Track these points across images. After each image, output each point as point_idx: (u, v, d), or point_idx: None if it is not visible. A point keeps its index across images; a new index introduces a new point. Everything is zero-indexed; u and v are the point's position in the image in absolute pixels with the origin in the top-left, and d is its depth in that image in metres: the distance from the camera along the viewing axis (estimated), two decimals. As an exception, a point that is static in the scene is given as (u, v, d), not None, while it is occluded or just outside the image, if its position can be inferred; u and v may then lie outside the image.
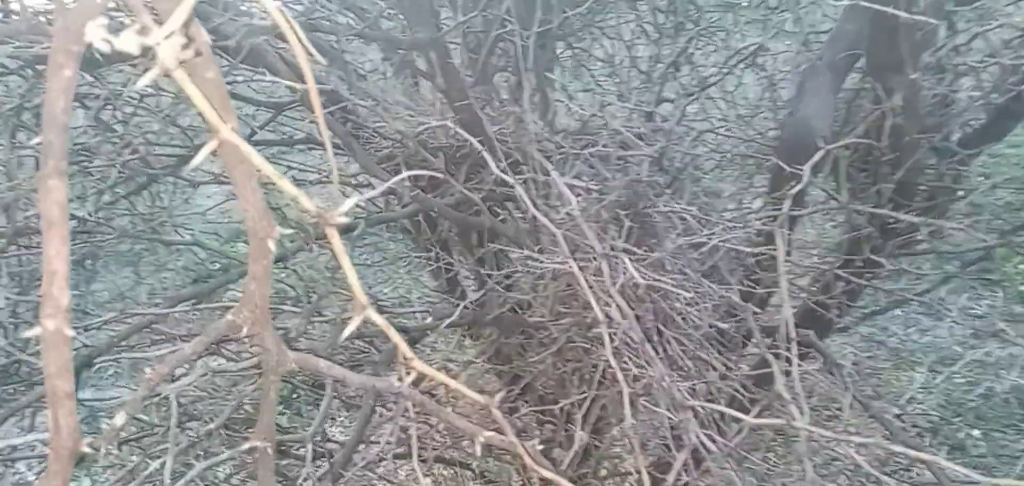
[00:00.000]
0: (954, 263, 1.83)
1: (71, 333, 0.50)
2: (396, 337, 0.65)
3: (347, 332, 0.62)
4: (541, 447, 1.98)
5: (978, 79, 1.81)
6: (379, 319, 0.61)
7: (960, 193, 1.81)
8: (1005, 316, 4.38)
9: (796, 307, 2.01)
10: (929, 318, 4.36)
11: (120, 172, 1.76)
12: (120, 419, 0.71)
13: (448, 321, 1.53)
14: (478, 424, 0.87)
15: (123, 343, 1.41)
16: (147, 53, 0.48)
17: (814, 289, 1.98)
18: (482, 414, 2.11)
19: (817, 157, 1.40)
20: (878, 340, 4.17)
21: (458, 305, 1.60)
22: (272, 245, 0.62)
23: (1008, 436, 3.75)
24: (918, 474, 2.89)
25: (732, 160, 2.02)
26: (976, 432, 3.73)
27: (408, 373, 0.69)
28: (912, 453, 0.95)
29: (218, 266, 2.61)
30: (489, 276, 1.82)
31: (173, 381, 1.23)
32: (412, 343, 1.64)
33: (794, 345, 1.20)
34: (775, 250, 1.82)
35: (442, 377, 0.71)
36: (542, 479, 1.83)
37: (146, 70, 0.51)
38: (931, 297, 4.21)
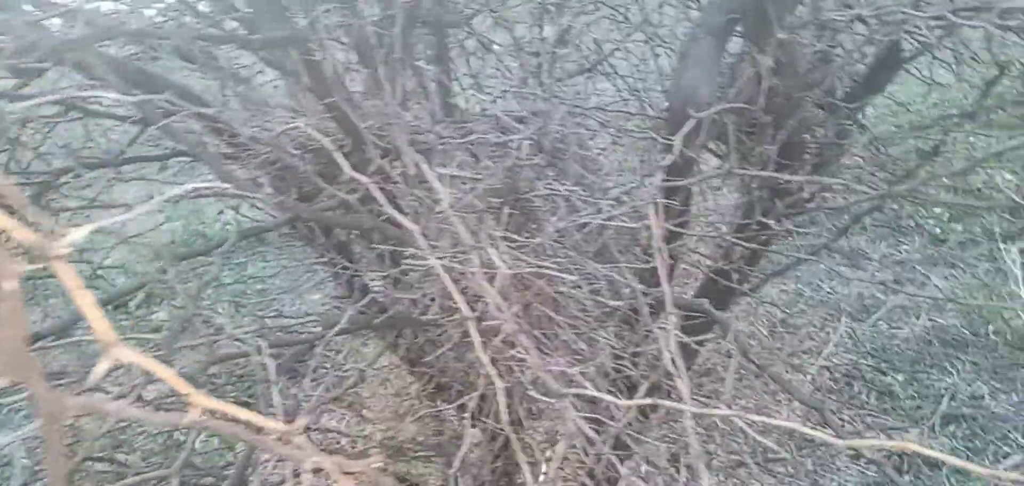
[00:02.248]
0: (846, 218, 1.85)
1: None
2: (167, 374, 0.59)
3: (99, 373, 0.56)
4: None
5: (855, 34, 1.82)
6: (132, 355, 0.56)
7: (846, 148, 1.83)
8: (922, 260, 4.53)
9: (697, 278, 2.01)
10: (852, 270, 4.47)
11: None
12: None
13: (335, 329, 1.47)
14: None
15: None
16: None
17: (715, 257, 1.98)
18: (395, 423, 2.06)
19: (688, 126, 1.39)
20: (804, 295, 4.26)
21: (348, 311, 1.54)
22: (12, 285, 0.56)
23: (932, 376, 3.87)
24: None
25: (626, 136, 2.01)
26: (900, 376, 3.83)
27: (195, 409, 0.64)
28: (784, 425, 0.93)
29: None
30: (384, 277, 1.77)
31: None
32: (304, 354, 1.58)
33: (672, 318, 1.18)
34: (677, 223, 1.82)
35: (232, 408, 0.66)
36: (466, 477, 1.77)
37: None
38: (845, 246, 4.30)
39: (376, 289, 1.95)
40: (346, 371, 2.17)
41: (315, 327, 1.52)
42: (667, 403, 1.00)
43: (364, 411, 2.08)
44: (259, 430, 0.68)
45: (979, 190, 4.30)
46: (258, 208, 1.57)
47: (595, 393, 1.05)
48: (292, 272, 3.02)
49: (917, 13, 1.34)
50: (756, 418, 0.89)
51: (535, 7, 2.15)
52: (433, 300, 1.54)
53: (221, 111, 1.57)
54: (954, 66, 1.82)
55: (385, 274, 1.84)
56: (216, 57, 1.94)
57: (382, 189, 1.50)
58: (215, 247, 1.38)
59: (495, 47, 2.25)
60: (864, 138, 1.75)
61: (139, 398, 0.85)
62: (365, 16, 1.75)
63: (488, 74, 2.32)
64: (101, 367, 0.55)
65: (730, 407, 1.15)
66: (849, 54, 1.77)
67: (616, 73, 2.19)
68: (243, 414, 0.67)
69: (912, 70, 2.06)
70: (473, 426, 1.81)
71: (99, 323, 0.53)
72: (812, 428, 0.84)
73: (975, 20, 1.22)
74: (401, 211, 1.23)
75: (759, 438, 1.03)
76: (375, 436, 1.79)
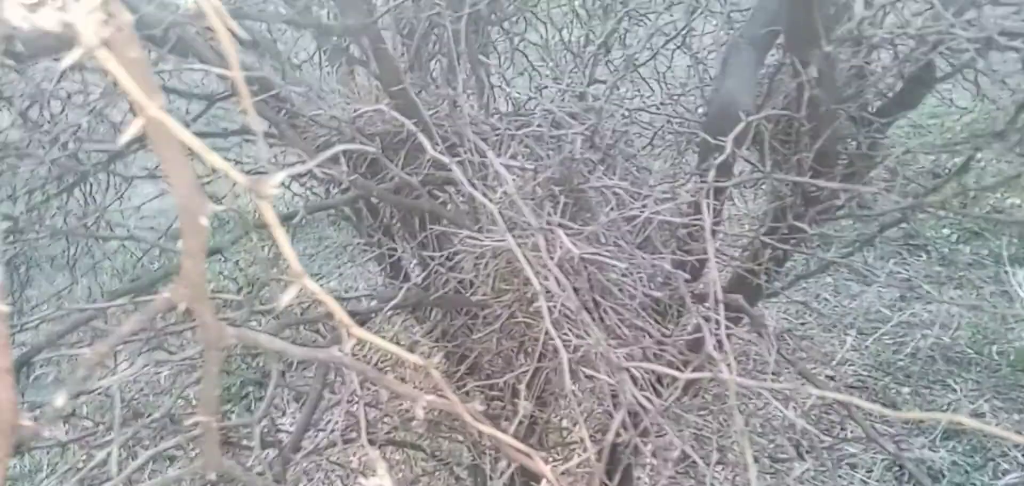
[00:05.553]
0: (873, 226, 1.94)
1: (6, 309, 0.51)
2: (333, 304, 0.68)
3: (285, 300, 0.64)
4: (487, 420, 2.03)
5: (892, 50, 1.91)
6: (315, 287, 0.64)
7: (877, 160, 1.91)
8: (929, 278, 4.62)
9: (726, 275, 2.10)
10: (859, 284, 4.57)
11: (50, 170, 1.73)
12: (61, 399, 0.72)
13: (392, 303, 1.55)
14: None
15: (61, 341, 1.40)
16: (67, 33, 0.49)
17: (743, 257, 2.07)
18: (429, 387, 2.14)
19: (738, 129, 1.47)
20: (811, 307, 4.35)
21: (401, 288, 1.63)
22: (204, 221, 0.64)
23: (934, 391, 3.96)
24: (845, 429, 3.04)
25: (663, 137, 2.09)
26: (905, 389, 3.92)
27: (349, 340, 0.72)
28: (828, 395, 1.02)
29: (156, 263, 2.57)
30: (432, 258, 1.85)
31: (114, 375, 1.22)
32: (361, 323, 1.65)
33: (721, 308, 1.27)
34: (713, 223, 1.90)
35: (382, 341, 0.74)
36: (492, 449, 1.86)
37: (69, 53, 0.52)
38: (855, 261, 4.39)
39: (420, 271, 2.03)
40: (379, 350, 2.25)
41: (371, 301, 1.60)
42: (726, 376, 1.08)
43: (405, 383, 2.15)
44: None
45: (999, 212, 4.40)
46: (325, 185, 1.64)
47: (652, 366, 1.13)
48: (327, 253, 3.10)
49: (962, 32, 1.42)
50: (814, 391, 0.97)
51: (578, 10, 2.24)
52: (483, 280, 1.62)
53: (287, 92, 1.65)
54: (976, 91, 1.90)
55: (430, 256, 1.92)
56: (275, 41, 2.02)
57: (445, 177, 1.58)
58: (286, 219, 1.46)
59: (537, 46, 2.34)
60: (897, 151, 1.84)
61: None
62: (422, 11, 1.84)
63: (519, 72, 2.41)
64: (287, 295, 0.63)
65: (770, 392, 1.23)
66: (886, 70, 1.86)
67: (653, 79, 2.28)
68: (388, 345, 0.75)
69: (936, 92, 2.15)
70: (512, 404, 1.89)
71: (290, 254, 0.61)
72: (863, 401, 0.92)
73: (1017, 42, 1.31)
74: (472, 195, 1.31)
75: (791, 417, 1.11)
76: (416, 411, 1.87)
